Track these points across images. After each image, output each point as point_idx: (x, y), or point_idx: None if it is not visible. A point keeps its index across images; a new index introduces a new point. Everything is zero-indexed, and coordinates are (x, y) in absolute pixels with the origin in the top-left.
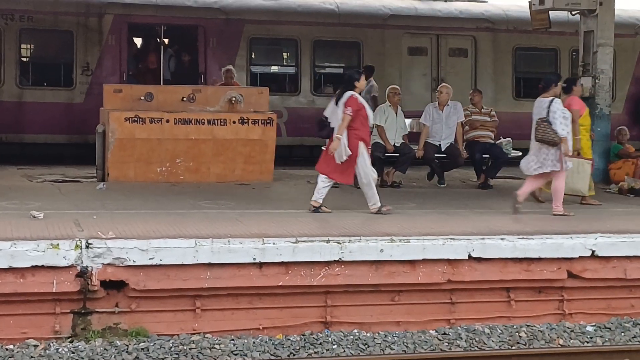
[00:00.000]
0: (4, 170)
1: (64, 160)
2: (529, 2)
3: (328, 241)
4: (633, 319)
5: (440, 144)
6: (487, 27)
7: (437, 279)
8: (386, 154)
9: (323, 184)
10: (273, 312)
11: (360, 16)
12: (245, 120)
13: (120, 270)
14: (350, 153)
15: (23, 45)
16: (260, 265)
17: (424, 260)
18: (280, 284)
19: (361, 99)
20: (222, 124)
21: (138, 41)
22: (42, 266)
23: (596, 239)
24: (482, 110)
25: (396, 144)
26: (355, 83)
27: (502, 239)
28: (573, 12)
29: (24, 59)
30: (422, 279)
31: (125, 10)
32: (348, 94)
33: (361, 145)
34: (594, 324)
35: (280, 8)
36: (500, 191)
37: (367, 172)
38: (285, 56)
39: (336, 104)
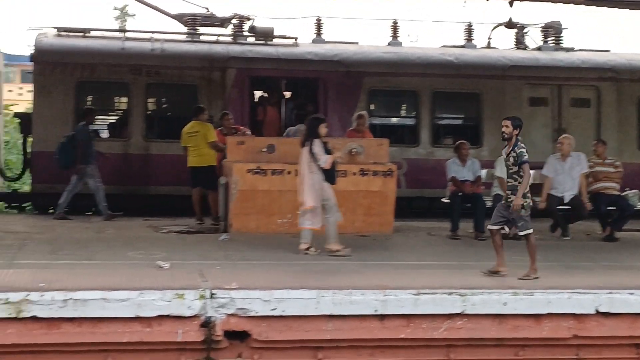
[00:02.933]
0: (130, 222)
1: (188, 211)
2: None
3: (450, 293)
4: None
5: (563, 196)
6: (611, 77)
7: (563, 334)
8: None
9: None
10: None
11: (479, 67)
12: (365, 172)
13: (243, 321)
14: None
15: (149, 99)
16: (382, 317)
17: (549, 315)
18: (402, 336)
19: None
20: (342, 175)
21: (259, 94)
22: (168, 316)
23: None
24: (606, 161)
25: None
26: None
27: (631, 294)
28: None
29: (150, 113)
30: (547, 333)
31: (247, 64)
32: None
33: None
34: None
35: (400, 60)
36: (627, 244)
37: None
38: (404, 108)
39: None
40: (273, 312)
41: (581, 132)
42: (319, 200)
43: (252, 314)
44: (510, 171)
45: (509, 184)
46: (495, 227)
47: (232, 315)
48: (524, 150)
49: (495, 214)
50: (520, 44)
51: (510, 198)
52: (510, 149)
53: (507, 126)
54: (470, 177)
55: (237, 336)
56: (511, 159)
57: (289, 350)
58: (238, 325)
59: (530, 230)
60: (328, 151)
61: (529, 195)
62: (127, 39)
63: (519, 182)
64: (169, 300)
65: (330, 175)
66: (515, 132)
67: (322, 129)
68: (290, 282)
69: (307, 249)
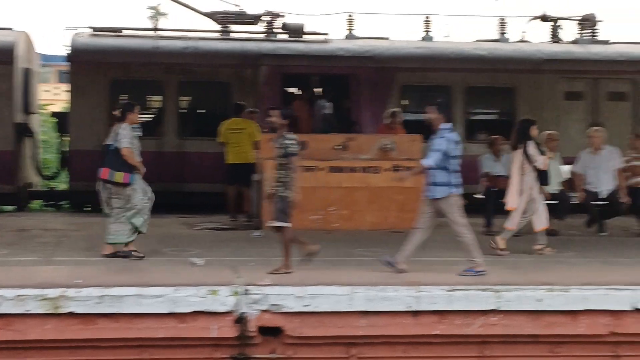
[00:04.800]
0: (165, 219)
1: (221, 209)
2: None
3: (484, 290)
4: None
5: (599, 191)
6: None
7: (600, 330)
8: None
9: None
10: None
11: (513, 61)
12: (398, 168)
13: (277, 317)
14: None
15: (182, 97)
16: (415, 313)
17: (586, 311)
18: (435, 332)
19: None
20: (375, 171)
21: (292, 91)
22: (202, 312)
23: None
24: None
25: (553, 191)
26: None
27: None
28: None
29: (183, 111)
30: (584, 330)
31: (279, 61)
32: None
33: None
34: None
35: (432, 55)
36: None
37: None
38: None
39: None
40: (306, 308)
41: (618, 126)
42: (524, 201)
43: (286, 310)
44: (279, 162)
45: (278, 175)
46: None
47: (265, 311)
48: (292, 142)
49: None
50: (555, 37)
51: (279, 190)
52: (279, 139)
53: (275, 116)
54: (504, 172)
55: (271, 332)
56: (280, 150)
57: (322, 347)
58: (271, 321)
59: (287, 224)
60: (542, 152)
61: (293, 190)
62: (161, 37)
63: (285, 174)
64: (203, 296)
65: (544, 176)
66: (285, 122)
67: (534, 131)
68: (323, 278)
69: (542, 249)
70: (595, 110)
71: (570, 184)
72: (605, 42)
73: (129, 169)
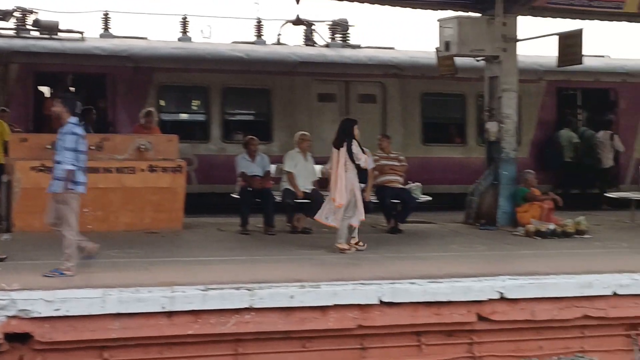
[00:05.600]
0: None
1: None
2: (436, 48)
3: (238, 288)
4: None
5: None
6: (395, 74)
7: (348, 324)
8: (296, 200)
9: None
10: None
11: (269, 63)
12: (154, 168)
13: (25, 323)
14: None
15: None
16: (170, 314)
17: (335, 306)
18: (190, 332)
19: None
20: (130, 172)
21: (45, 90)
22: None
23: (504, 281)
24: (391, 155)
25: (306, 190)
26: None
27: (412, 283)
28: (478, 59)
29: None
30: (333, 324)
31: (31, 59)
32: None
33: None
34: None
35: (190, 56)
36: (410, 236)
37: None
38: (195, 104)
39: None
40: (56, 312)
41: (368, 127)
42: (350, 199)
43: (35, 315)
44: None
45: None
46: None
47: (13, 317)
48: None
49: None
50: (309, 40)
51: None
52: None
53: None
54: (259, 172)
55: (19, 338)
56: None
57: (74, 351)
58: (19, 327)
59: None
60: (363, 151)
61: None
62: None
63: None
64: None
65: (364, 174)
66: None
67: (356, 130)
68: (74, 281)
69: (356, 243)
70: (346, 111)
71: (321, 182)
72: (357, 47)
73: None
